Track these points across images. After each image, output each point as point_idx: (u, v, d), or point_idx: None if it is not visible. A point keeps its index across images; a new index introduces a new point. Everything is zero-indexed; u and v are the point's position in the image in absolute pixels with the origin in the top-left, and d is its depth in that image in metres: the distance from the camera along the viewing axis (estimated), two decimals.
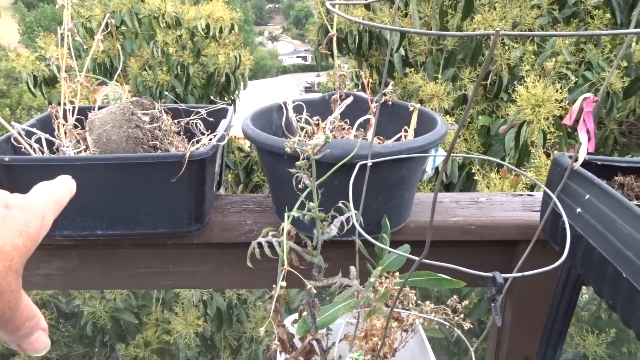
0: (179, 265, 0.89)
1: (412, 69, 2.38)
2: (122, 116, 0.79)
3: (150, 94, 3.79)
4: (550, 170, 0.72)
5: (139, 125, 0.79)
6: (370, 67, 2.87)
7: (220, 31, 3.84)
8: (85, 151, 0.81)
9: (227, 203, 0.89)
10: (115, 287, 1.98)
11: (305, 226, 0.74)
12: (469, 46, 2.23)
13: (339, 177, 0.68)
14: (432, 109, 2.20)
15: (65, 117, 0.83)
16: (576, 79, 2.32)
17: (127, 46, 3.81)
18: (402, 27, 2.30)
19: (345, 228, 0.62)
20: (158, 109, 0.84)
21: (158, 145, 0.81)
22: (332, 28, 0.83)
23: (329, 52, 0.85)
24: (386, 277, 0.71)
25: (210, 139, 0.78)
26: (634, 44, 2.76)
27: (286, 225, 0.63)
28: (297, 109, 0.90)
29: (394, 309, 0.71)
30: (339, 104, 0.84)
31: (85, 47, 3.44)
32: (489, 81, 2.34)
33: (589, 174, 0.65)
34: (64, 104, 0.84)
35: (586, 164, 0.72)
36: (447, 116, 2.10)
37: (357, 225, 0.52)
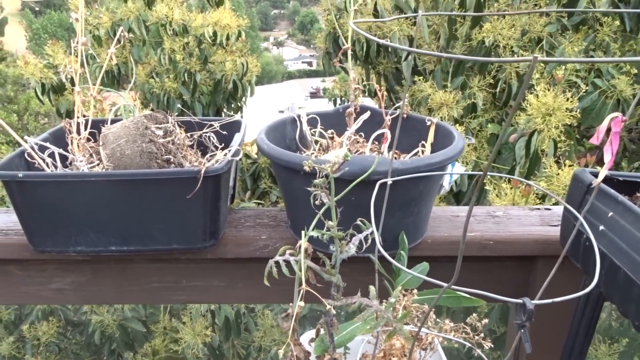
0: (192, 280, 0.88)
1: (421, 77, 2.37)
2: (136, 130, 0.78)
3: (158, 101, 3.80)
4: (571, 186, 0.71)
5: (152, 140, 0.78)
6: (378, 75, 2.86)
7: (227, 38, 3.85)
8: (98, 166, 0.81)
9: (241, 217, 0.88)
10: (127, 302, 1.97)
11: (322, 242, 0.73)
12: (477, 54, 2.23)
13: (356, 194, 0.67)
14: (441, 117, 2.19)
15: (78, 131, 0.82)
16: (586, 87, 2.30)
17: (134, 53, 3.82)
18: (410, 35, 2.30)
19: (364, 247, 0.61)
20: (171, 122, 0.83)
21: (172, 160, 0.81)
22: (347, 40, 0.82)
23: (342, 64, 0.84)
24: (404, 295, 0.70)
25: (225, 154, 0.77)
26: None
27: (303, 243, 0.62)
28: (311, 122, 0.89)
29: (413, 329, 0.69)
30: (354, 117, 0.84)
31: (94, 55, 3.44)
32: (498, 89, 2.33)
33: (612, 191, 0.64)
34: (77, 117, 0.83)
35: (607, 180, 0.70)
36: (457, 125, 2.09)
37: (378, 244, 0.51)
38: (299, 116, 0.88)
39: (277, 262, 0.61)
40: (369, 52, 2.72)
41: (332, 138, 0.88)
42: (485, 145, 2.35)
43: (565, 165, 1.79)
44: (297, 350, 0.69)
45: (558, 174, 1.80)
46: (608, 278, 0.63)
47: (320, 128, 0.88)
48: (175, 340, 2.44)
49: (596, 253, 0.50)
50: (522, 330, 0.43)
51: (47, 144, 0.81)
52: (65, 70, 0.78)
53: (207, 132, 0.91)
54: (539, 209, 0.92)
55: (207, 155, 0.81)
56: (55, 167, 0.80)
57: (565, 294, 0.86)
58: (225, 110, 4.02)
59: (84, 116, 0.86)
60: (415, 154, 0.81)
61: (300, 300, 0.59)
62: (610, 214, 0.63)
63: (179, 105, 3.55)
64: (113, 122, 0.87)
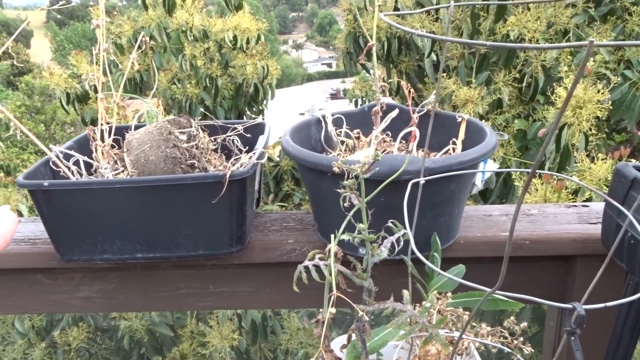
0: (219, 285, 0.87)
1: (444, 74, 2.33)
2: (160, 136, 0.77)
3: (180, 107, 3.82)
4: (613, 182, 0.68)
5: (176, 145, 0.77)
6: (400, 73, 2.82)
7: (247, 42, 3.85)
8: (123, 172, 0.80)
9: (266, 221, 0.86)
10: (154, 309, 1.98)
11: (350, 245, 0.70)
12: (502, 49, 2.17)
13: (385, 195, 0.64)
14: (466, 114, 2.14)
15: (102, 138, 0.82)
16: (617, 79, 2.23)
17: (156, 60, 3.86)
18: (433, 32, 2.26)
19: (397, 249, 0.59)
20: (195, 127, 0.82)
21: (196, 164, 0.80)
22: (371, 38, 0.79)
23: (368, 62, 0.82)
24: (438, 298, 0.68)
25: (250, 157, 0.75)
26: None
27: (333, 247, 0.60)
28: (336, 123, 0.87)
29: (448, 334, 0.67)
30: (381, 116, 0.81)
31: (116, 63, 3.48)
32: (524, 84, 2.27)
33: None
34: (101, 124, 0.83)
35: None
36: (482, 120, 2.05)
37: (413, 246, 0.49)
38: (324, 116, 0.86)
39: (306, 267, 0.59)
40: (390, 51, 2.69)
41: (358, 138, 0.86)
42: (512, 142, 2.29)
43: (598, 159, 1.73)
44: (329, 357, 0.67)
45: (590, 168, 1.74)
46: None
47: (346, 128, 0.86)
48: (202, 344, 2.44)
49: None
50: (573, 338, 0.40)
51: (72, 152, 0.80)
52: (88, 78, 0.77)
53: (230, 136, 0.90)
54: (575, 206, 0.88)
55: (232, 159, 0.80)
56: (81, 174, 0.79)
57: (606, 295, 0.82)
58: (247, 113, 4.03)
59: (108, 123, 0.85)
60: (446, 152, 0.78)
61: (332, 306, 0.57)
62: None
63: (201, 110, 3.57)
64: (136, 128, 0.86)
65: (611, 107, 2.13)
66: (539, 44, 2.27)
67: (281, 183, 3.74)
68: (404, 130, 0.81)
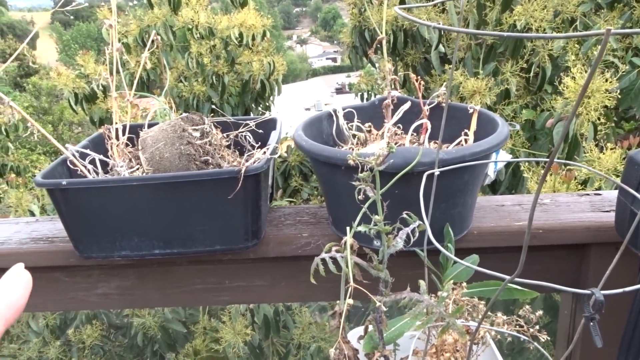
0: (235, 280, 0.88)
1: (451, 65, 2.33)
2: (174, 133, 0.78)
3: (187, 105, 3.84)
4: (626, 170, 0.68)
5: (190, 142, 0.78)
6: (406, 66, 2.82)
7: (253, 39, 3.86)
8: (138, 170, 0.81)
9: (280, 215, 0.87)
10: (172, 305, 2.00)
11: (364, 238, 0.71)
12: (509, 39, 2.17)
13: (399, 187, 0.65)
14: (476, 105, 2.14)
15: (117, 137, 0.83)
16: (625, 67, 2.22)
17: (162, 59, 3.87)
18: (440, 23, 2.26)
19: (412, 240, 0.60)
20: (207, 123, 0.83)
21: (210, 161, 0.81)
22: (380, 30, 0.80)
23: (378, 55, 0.82)
24: (453, 289, 0.68)
25: (264, 152, 0.76)
26: None
27: (349, 239, 0.60)
28: (347, 117, 0.88)
29: (464, 323, 0.67)
30: (392, 109, 0.82)
31: (123, 62, 3.49)
32: (531, 74, 2.26)
33: None
34: (116, 123, 0.84)
35: None
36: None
37: (431, 237, 0.49)
38: (335, 111, 0.87)
39: (322, 260, 0.60)
40: (396, 44, 2.68)
41: (369, 131, 0.86)
42: (520, 132, 2.29)
43: (607, 148, 1.73)
44: (346, 348, 0.67)
45: (599, 158, 1.74)
46: None
47: (357, 122, 0.87)
48: (215, 339, 2.46)
49: None
50: (592, 324, 0.41)
51: (88, 151, 0.81)
52: (101, 77, 0.78)
53: (242, 132, 0.90)
54: (588, 194, 0.88)
55: (245, 155, 0.80)
56: (97, 173, 0.80)
57: (620, 282, 0.82)
58: (254, 110, 4.04)
59: (121, 121, 0.86)
60: (458, 144, 0.79)
61: (349, 297, 0.58)
62: None
63: (213, 106, 3.58)
64: (149, 126, 0.87)
65: (619, 96, 2.12)
66: (545, 33, 2.26)
67: (289, 179, 3.75)
68: (415, 122, 0.82)
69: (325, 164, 0.71)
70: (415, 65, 2.81)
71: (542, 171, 1.70)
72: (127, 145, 0.86)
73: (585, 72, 1.82)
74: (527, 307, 0.69)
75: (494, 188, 2.29)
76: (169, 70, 3.92)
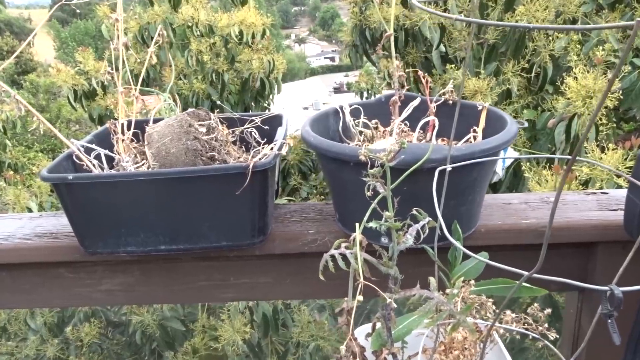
0: (240, 277, 0.87)
1: (453, 65, 2.33)
2: (180, 128, 0.78)
3: (186, 103, 3.83)
4: (636, 167, 0.68)
5: (197, 137, 0.78)
6: (407, 65, 2.82)
7: (253, 37, 3.85)
8: (144, 165, 0.81)
9: (286, 212, 0.87)
10: (176, 302, 1.99)
11: (372, 235, 0.71)
12: (511, 39, 2.17)
13: (408, 184, 0.65)
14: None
15: (122, 132, 0.82)
16: (626, 67, 2.22)
17: (162, 56, 3.86)
18: (441, 23, 2.25)
19: (422, 237, 0.59)
20: (214, 119, 0.83)
21: (216, 156, 0.80)
22: (389, 27, 0.79)
23: (387, 54, 0.82)
24: (462, 286, 0.68)
25: (272, 148, 0.75)
26: None
27: (358, 235, 0.60)
28: (354, 113, 0.87)
29: (473, 320, 0.67)
30: (399, 106, 0.81)
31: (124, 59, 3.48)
32: (532, 74, 2.26)
33: None
34: (121, 117, 0.83)
35: None
36: None
37: (446, 232, 0.49)
38: (341, 107, 0.87)
39: (332, 256, 0.59)
40: (397, 43, 2.68)
41: (376, 128, 0.86)
42: (521, 132, 2.28)
43: (608, 149, 1.73)
44: (353, 346, 0.67)
45: (601, 158, 1.74)
46: None
47: (364, 118, 0.86)
48: (214, 338, 2.46)
49: None
50: (610, 321, 0.40)
51: (93, 146, 0.81)
52: (105, 71, 0.78)
53: (248, 128, 0.90)
54: (595, 193, 0.88)
55: (252, 151, 0.80)
56: (102, 168, 0.80)
57: (628, 280, 0.82)
58: (254, 108, 4.03)
59: (127, 116, 0.86)
60: (467, 141, 0.78)
61: (359, 294, 0.58)
62: None
63: (217, 102, 3.57)
64: (155, 122, 0.87)
65: (621, 97, 2.12)
66: (547, 33, 2.26)
67: (288, 177, 3.75)
68: (423, 119, 0.81)
69: (334, 160, 0.70)
70: (416, 65, 2.80)
71: (544, 171, 1.70)
72: (132, 140, 0.86)
73: (587, 72, 1.82)
74: (536, 305, 0.69)
75: (494, 187, 2.29)
76: (169, 67, 3.90)
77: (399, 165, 0.63)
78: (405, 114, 0.80)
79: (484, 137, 0.77)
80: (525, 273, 0.40)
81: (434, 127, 0.81)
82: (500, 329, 0.67)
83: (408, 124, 0.86)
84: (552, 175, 1.74)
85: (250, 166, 0.69)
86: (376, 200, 0.60)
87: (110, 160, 0.82)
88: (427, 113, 0.86)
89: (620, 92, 2.04)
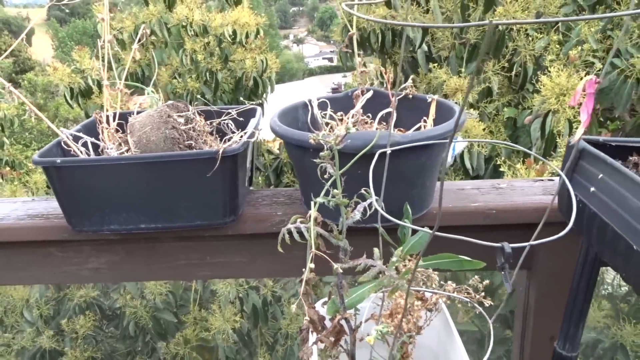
0: (216, 256, 0.95)
1: (436, 64, 2.41)
2: (160, 119, 0.85)
3: None
4: (566, 154, 0.75)
5: (175, 127, 0.85)
6: (394, 65, 2.90)
7: (247, 36, 3.92)
8: (127, 152, 0.88)
9: (258, 197, 0.95)
10: (157, 279, 2.07)
11: (332, 214, 0.78)
12: (491, 39, 2.25)
13: (362, 167, 0.72)
14: (456, 102, 2.22)
15: (107, 122, 0.90)
16: (601, 67, 2.30)
17: (157, 55, 3.93)
18: (424, 22, 2.33)
19: (368, 213, 0.67)
20: (192, 111, 0.90)
21: (193, 145, 0.88)
22: (351, 27, 0.87)
23: (351, 51, 0.89)
24: (409, 260, 0.76)
25: (241, 137, 0.83)
26: None
27: (313, 212, 0.68)
28: (323, 106, 0.95)
29: (418, 289, 0.75)
30: (368, 99, 0.89)
31: (118, 58, 3.56)
32: (513, 73, 2.34)
33: (602, 154, 0.68)
34: (106, 110, 0.91)
35: (601, 146, 0.74)
36: (472, 109, 2.12)
37: (382, 211, 0.57)
38: (310, 100, 0.94)
39: (289, 230, 0.67)
40: (384, 43, 2.76)
41: (341, 120, 0.94)
42: (502, 129, 2.37)
43: None
44: (312, 313, 0.75)
45: None
46: (599, 236, 0.68)
47: (331, 111, 0.94)
48: (205, 329, 2.53)
49: (573, 201, 0.54)
50: (503, 272, 0.48)
51: (81, 134, 0.88)
52: (94, 68, 0.85)
53: (225, 120, 0.98)
54: (542, 180, 0.96)
55: (225, 138, 0.87)
56: (88, 154, 0.87)
57: (566, 258, 0.91)
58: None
59: (113, 108, 0.93)
60: (418, 129, 0.86)
61: (310, 262, 0.65)
62: (601, 175, 0.67)
63: (204, 101, 3.65)
64: (139, 113, 0.94)
65: (599, 95, 2.20)
66: (527, 33, 2.34)
67: (281, 175, 3.82)
68: (382, 112, 0.89)
69: (297, 146, 0.78)
70: (404, 64, 2.88)
71: (518, 165, 1.78)
72: (117, 131, 0.93)
73: (562, 71, 1.90)
74: (476, 277, 0.76)
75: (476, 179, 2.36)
76: (164, 67, 3.98)
77: (351, 150, 0.70)
78: (359, 104, 0.88)
79: (435, 126, 0.85)
80: (429, 231, 0.48)
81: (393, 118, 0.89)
82: (444, 297, 0.75)
83: (371, 115, 0.93)
84: (526, 169, 1.82)
85: (220, 152, 0.76)
86: (330, 182, 0.68)
87: (96, 147, 0.89)
88: (389, 106, 0.94)
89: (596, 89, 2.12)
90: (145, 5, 3.86)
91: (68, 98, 3.72)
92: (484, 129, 2.01)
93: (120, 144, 0.91)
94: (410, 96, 0.94)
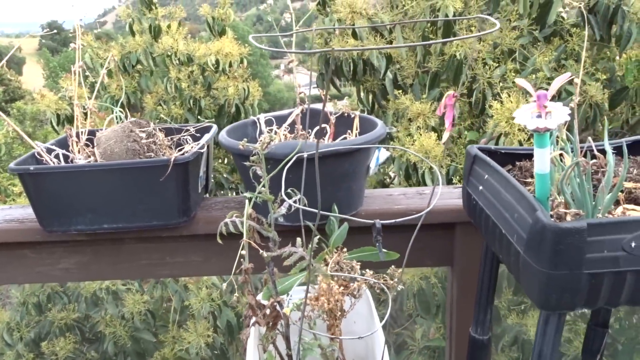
0: (174, 256, 1.06)
1: (401, 91, 2.56)
2: (123, 133, 0.98)
3: None
4: (465, 160, 0.89)
5: (136, 140, 0.98)
6: (366, 92, 3.06)
7: (230, 65, 4.09)
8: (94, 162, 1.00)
9: (212, 203, 1.07)
10: (122, 278, 2.18)
11: (266, 212, 0.90)
12: (450, 67, 2.41)
13: (292, 172, 0.85)
14: (418, 126, 2.37)
15: (78, 137, 1.03)
16: (558, 95, 2.46)
17: (142, 83, 4.08)
18: (388, 53, 2.50)
19: (292, 209, 0.79)
20: (152, 127, 1.03)
21: (153, 156, 1.00)
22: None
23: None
24: (337, 253, 0.88)
25: (192, 147, 0.96)
26: (617, 57, 2.91)
27: (247, 208, 0.80)
28: (268, 123, 1.08)
29: (340, 276, 0.87)
30: (301, 117, 1.03)
31: (105, 86, 3.69)
32: (473, 98, 2.50)
33: (488, 158, 0.82)
34: (77, 126, 1.04)
35: (493, 153, 0.88)
36: (433, 132, 2.27)
37: (303, 208, 0.69)
38: (258, 118, 1.08)
39: (226, 223, 0.79)
40: (356, 71, 2.92)
41: (285, 135, 1.07)
42: (463, 152, 2.51)
43: None
44: (251, 299, 0.87)
45: None
46: (486, 228, 0.80)
47: (276, 127, 1.07)
48: (185, 349, 2.59)
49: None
50: (377, 244, 0.61)
51: (54, 147, 1.01)
52: (68, 91, 0.98)
53: (184, 135, 1.10)
54: (461, 187, 1.09)
55: (179, 148, 1.00)
56: (59, 164, 0.99)
57: (479, 255, 1.03)
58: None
59: (84, 125, 1.06)
60: (344, 139, 0.99)
61: (242, 250, 0.77)
62: (486, 176, 0.81)
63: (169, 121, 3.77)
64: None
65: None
66: (485, 62, 2.52)
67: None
68: (316, 127, 1.03)
69: (238, 155, 0.91)
70: (375, 91, 3.04)
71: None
72: (87, 145, 1.06)
73: (509, 96, 2.06)
74: (393, 266, 0.89)
75: None
76: (150, 94, 4.12)
77: (280, 157, 0.83)
78: (290, 119, 1.01)
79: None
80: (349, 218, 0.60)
81: (332, 134, 1.02)
82: (364, 283, 0.87)
83: (310, 131, 1.07)
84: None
85: (172, 159, 0.89)
86: (262, 183, 0.80)
87: (67, 158, 1.02)
88: (328, 123, 1.07)
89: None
90: (132, 35, 4.03)
91: (54, 124, 3.84)
92: (442, 151, 2.16)
93: (88, 156, 1.03)
94: (346, 114, 1.08)
